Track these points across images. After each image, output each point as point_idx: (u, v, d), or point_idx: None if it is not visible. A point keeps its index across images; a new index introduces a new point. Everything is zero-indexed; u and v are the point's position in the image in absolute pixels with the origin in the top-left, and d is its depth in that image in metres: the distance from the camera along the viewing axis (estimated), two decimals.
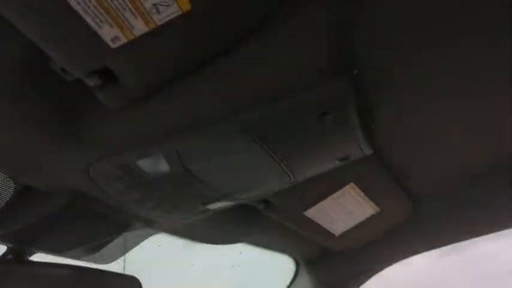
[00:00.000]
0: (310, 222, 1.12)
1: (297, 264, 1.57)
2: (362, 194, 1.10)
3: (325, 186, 1.03)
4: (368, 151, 0.74)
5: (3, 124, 0.53)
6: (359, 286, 1.58)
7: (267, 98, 0.55)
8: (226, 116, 0.56)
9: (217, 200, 0.78)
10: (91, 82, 0.48)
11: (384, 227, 1.35)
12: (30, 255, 0.81)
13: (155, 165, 0.63)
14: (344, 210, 1.14)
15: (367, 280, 1.57)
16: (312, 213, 1.09)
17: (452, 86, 0.75)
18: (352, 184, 1.05)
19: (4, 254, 0.77)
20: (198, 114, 0.56)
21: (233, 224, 1.11)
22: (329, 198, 1.07)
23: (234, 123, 0.57)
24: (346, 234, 1.27)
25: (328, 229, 1.20)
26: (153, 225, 0.86)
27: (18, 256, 0.77)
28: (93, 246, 0.85)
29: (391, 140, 0.96)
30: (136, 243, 1.02)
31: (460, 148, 1.02)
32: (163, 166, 0.64)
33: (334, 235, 1.25)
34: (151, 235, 1.04)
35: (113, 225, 0.79)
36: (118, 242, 0.95)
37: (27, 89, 0.51)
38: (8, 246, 0.77)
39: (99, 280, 0.81)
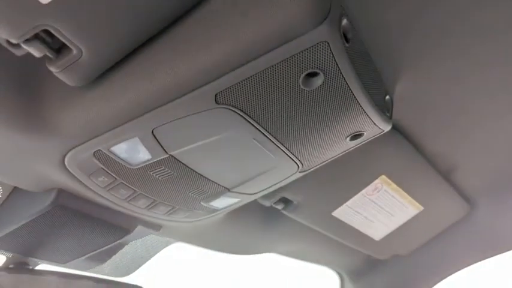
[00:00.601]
0: (342, 224, 1.01)
1: (341, 278, 1.44)
2: (398, 188, 0.98)
3: (353, 180, 0.92)
4: (386, 127, 0.64)
5: None
6: None
7: (240, 60, 0.47)
8: (197, 87, 0.49)
9: (219, 194, 0.71)
10: (35, 50, 0.43)
11: (432, 229, 1.20)
12: (34, 266, 0.77)
13: (132, 151, 0.57)
14: (381, 210, 1.02)
15: None
16: (341, 213, 0.98)
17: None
18: (383, 177, 0.93)
19: (6, 263, 0.74)
20: (167, 87, 0.50)
21: (257, 231, 1.02)
22: (359, 195, 0.95)
23: (207, 94, 0.50)
24: (388, 239, 1.13)
25: (365, 233, 1.08)
26: (158, 229, 0.80)
27: (20, 265, 0.74)
28: (99, 255, 0.80)
29: (423, 118, 0.84)
30: (152, 254, 0.96)
31: None
32: (143, 152, 0.57)
33: (374, 240, 1.12)
34: (168, 244, 0.97)
35: (110, 229, 0.73)
36: (131, 252, 0.90)
37: None
38: (7, 257, 0.74)
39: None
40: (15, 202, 0.67)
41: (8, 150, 0.55)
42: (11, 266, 0.74)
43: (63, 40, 0.43)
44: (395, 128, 0.87)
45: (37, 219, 0.66)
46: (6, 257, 0.74)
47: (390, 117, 0.66)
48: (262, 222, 1.00)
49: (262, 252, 1.14)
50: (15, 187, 0.66)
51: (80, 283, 0.73)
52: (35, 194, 0.65)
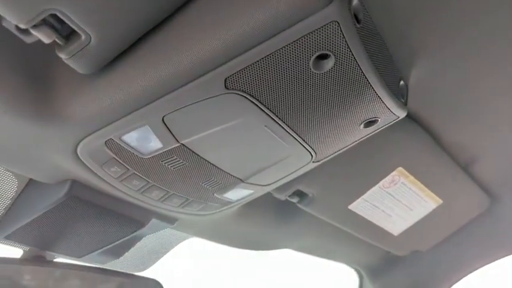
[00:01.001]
0: (358, 218, 0.99)
1: (360, 275, 1.42)
2: (416, 181, 0.96)
3: (368, 172, 0.91)
4: (401, 113, 0.62)
5: None
6: None
7: (248, 44, 0.47)
8: (206, 71, 0.49)
9: (232, 186, 0.70)
10: (44, 36, 0.43)
11: (452, 224, 1.17)
12: (50, 260, 0.78)
13: (143, 139, 0.57)
14: (398, 203, 1.00)
15: None
16: (358, 207, 0.96)
17: None
18: (400, 169, 0.91)
19: (23, 256, 0.75)
20: (176, 73, 0.49)
21: (272, 226, 1.01)
22: (376, 188, 0.94)
23: (217, 79, 0.49)
24: (407, 233, 1.11)
25: (383, 227, 1.06)
26: (173, 223, 0.80)
27: (37, 258, 0.75)
28: (115, 249, 0.80)
29: (441, 108, 0.82)
30: (168, 249, 0.96)
31: None
32: (154, 141, 0.57)
33: (392, 235, 1.10)
34: (184, 239, 0.97)
35: (125, 221, 0.73)
36: (146, 247, 0.90)
37: None
38: (24, 250, 0.75)
39: (121, 281, 0.76)
40: (31, 194, 0.68)
41: (21, 140, 0.56)
42: (28, 258, 0.74)
43: (72, 25, 0.43)
44: (413, 119, 0.85)
45: (52, 210, 0.66)
46: (24, 250, 0.75)
47: (405, 104, 0.64)
48: (277, 217, 0.99)
49: (277, 248, 1.13)
50: (30, 179, 0.67)
51: (96, 276, 0.73)
52: (49, 186, 0.66)
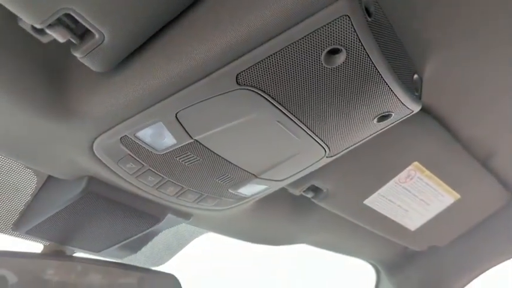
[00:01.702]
0: (374, 214, 0.99)
1: (377, 271, 1.41)
2: (432, 175, 0.95)
3: (384, 167, 0.90)
4: (415, 107, 0.62)
5: None
6: None
7: (259, 39, 0.47)
8: (218, 68, 0.49)
9: (246, 181, 0.70)
10: (59, 36, 0.44)
11: (470, 219, 1.15)
12: (70, 254, 0.80)
13: (157, 136, 0.58)
14: (415, 198, 0.99)
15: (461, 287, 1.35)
16: (373, 202, 0.96)
17: None
18: (416, 163, 0.90)
19: (43, 251, 0.77)
20: (188, 69, 0.50)
21: (288, 221, 1.01)
22: (392, 183, 0.93)
23: (228, 75, 0.50)
24: (424, 229, 1.10)
25: (399, 223, 1.05)
26: (188, 218, 0.81)
27: (57, 253, 0.77)
28: (132, 244, 0.82)
29: (458, 101, 0.81)
30: (184, 244, 0.97)
31: None
32: (168, 137, 0.58)
33: (409, 230, 1.09)
34: (199, 234, 0.98)
35: (141, 217, 0.74)
36: (163, 242, 0.91)
37: (5, 62, 0.49)
38: (44, 245, 0.77)
39: (139, 276, 0.78)
40: (50, 190, 0.69)
41: (39, 137, 0.57)
42: (48, 253, 0.76)
43: (85, 24, 0.44)
44: (429, 113, 0.84)
45: (70, 206, 0.68)
46: (44, 245, 0.77)
47: (419, 97, 0.63)
48: (292, 212, 0.99)
49: (293, 243, 1.13)
50: (49, 176, 0.69)
51: (114, 270, 0.75)
52: (67, 182, 0.67)
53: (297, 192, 0.89)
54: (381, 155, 0.86)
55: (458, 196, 1.03)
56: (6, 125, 0.55)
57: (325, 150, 0.66)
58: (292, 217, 1.01)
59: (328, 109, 0.57)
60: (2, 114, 0.53)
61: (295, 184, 0.86)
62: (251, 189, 0.75)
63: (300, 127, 0.58)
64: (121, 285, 0.73)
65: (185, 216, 0.80)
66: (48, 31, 0.44)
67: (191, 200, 0.74)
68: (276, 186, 0.77)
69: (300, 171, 0.73)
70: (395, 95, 0.57)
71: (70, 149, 0.59)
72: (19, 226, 0.72)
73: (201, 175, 0.67)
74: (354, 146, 0.68)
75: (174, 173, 0.66)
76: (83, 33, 0.46)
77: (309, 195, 0.90)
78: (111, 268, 0.74)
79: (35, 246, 0.75)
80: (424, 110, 0.83)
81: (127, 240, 0.78)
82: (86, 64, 0.49)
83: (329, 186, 0.89)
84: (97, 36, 0.45)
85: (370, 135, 0.67)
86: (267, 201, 0.91)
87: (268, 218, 0.98)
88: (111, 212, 0.71)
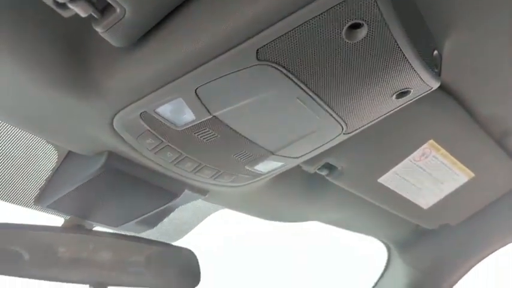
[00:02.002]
0: (388, 192, 0.99)
1: (389, 249, 1.42)
2: (448, 154, 0.94)
3: (399, 145, 0.90)
4: (434, 84, 0.61)
5: (14, 82, 0.52)
6: (464, 273, 1.37)
7: (279, 14, 0.47)
8: (238, 43, 0.49)
9: (263, 158, 0.71)
10: (80, 10, 0.44)
11: (484, 198, 1.15)
12: (90, 227, 0.82)
13: (177, 111, 0.58)
14: (429, 177, 0.99)
15: (471, 267, 1.36)
16: (388, 180, 0.96)
17: None
18: (431, 141, 0.90)
19: (64, 225, 0.78)
20: (208, 45, 0.50)
21: (301, 198, 1.02)
22: (406, 161, 0.93)
23: (249, 50, 0.50)
24: (437, 207, 1.10)
25: (413, 201, 1.05)
26: (204, 194, 0.82)
27: (77, 226, 0.78)
28: (149, 219, 0.83)
29: (475, 79, 0.80)
30: (200, 220, 0.99)
31: None
32: (187, 113, 0.58)
33: (422, 209, 1.10)
34: (215, 211, 1.00)
35: (159, 192, 0.76)
36: (179, 217, 0.93)
37: (28, 36, 0.49)
38: (65, 219, 0.79)
39: (157, 250, 0.79)
40: (70, 166, 0.71)
41: (60, 112, 0.58)
42: (68, 227, 0.78)
43: (111, 2, 0.44)
44: (445, 90, 0.84)
45: (90, 181, 0.69)
46: (64, 219, 0.78)
47: (439, 74, 0.63)
48: (306, 190, 1.00)
49: (306, 220, 1.14)
50: (69, 151, 0.70)
51: (132, 244, 0.76)
52: (87, 158, 0.68)
53: (311, 169, 0.89)
54: (396, 133, 0.86)
55: (472, 175, 1.03)
56: (27, 100, 0.56)
57: (343, 127, 0.66)
58: (306, 195, 1.01)
59: (347, 85, 0.56)
60: (23, 89, 0.54)
61: (310, 162, 0.86)
62: (267, 166, 0.75)
63: (319, 104, 0.59)
64: (139, 258, 0.75)
65: (201, 192, 0.81)
66: (70, 5, 0.44)
67: (208, 176, 0.75)
68: (292, 164, 0.77)
69: (316, 149, 0.73)
70: (415, 71, 0.57)
71: (90, 125, 0.60)
72: (40, 200, 0.73)
73: (219, 151, 0.68)
74: (371, 123, 0.68)
75: (192, 149, 0.66)
76: (104, 8, 0.46)
77: (324, 173, 0.91)
78: (130, 242, 0.76)
79: (56, 221, 0.77)
80: (441, 88, 0.82)
81: (144, 216, 0.80)
82: (106, 39, 0.49)
83: (344, 164, 0.90)
84: (118, 10, 0.45)
85: (388, 112, 0.66)
86: (282, 179, 0.92)
87: (283, 195, 0.99)
88: (129, 187, 0.72)
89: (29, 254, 0.65)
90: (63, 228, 0.74)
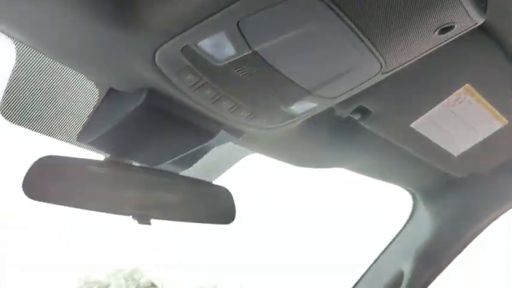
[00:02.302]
0: (420, 137, 0.99)
1: (414, 198, 1.43)
2: (483, 99, 0.93)
3: (434, 89, 0.89)
4: (479, 18, 0.60)
5: (57, 14, 0.53)
6: (488, 224, 1.38)
7: None
8: None
9: (299, 97, 0.71)
10: None
11: None
12: None
13: (218, 46, 0.58)
14: (462, 123, 0.99)
15: (497, 217, 1.37)
16: (420, 125, 0.96)
17: None
18: (467, 86, 0.89)
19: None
20: None
21: (331, 144, 1.03)
22: (440, 106, 0.92)
23: None
24: (467, 154, 1.10)
25: (443, 147, 1.05)
26: (239, 136, 0.83)
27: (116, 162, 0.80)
28: (185, 159, 0.85)
29: None
30: (231, 164, 1.01)
31: None
32: (228, 47, 0.59)
33: (452, 156, 1.09)
34: (245, 155, 1.02)
35: (196, 132, 0.77)
36: (212, 159, 0.95)
37: None
38: (105, 157, 0.81)
39: (194, 187, 0.82)
40: (110, 103, 0.72)
41: (101, 46, 0.59)
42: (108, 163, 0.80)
43: None
44: (488, 33, 0.81)
45: (130, 119, 0.71)
46: (105, 157, 0.81)
47: (484, 10, 0.61)
48: (337, 135, 1.01)
49: (333, 167, 1.15)
50: (110, 88, 0.71)
51: (171, 181, 0.79)
52: (127, 95, 0.70)
53: (344, 113, 0.90)
54: (433, 76, 0.85)
55: (506, 122, 1.02)
56: (69, 32, 0.57)
57: (381, 65, 0.66)
58: (336, 140, 1.02)
59: (391, 19, 0.56)
60: (66, 22, 0.55)
61: (344, 104, 0.86)
62: (302, 107, 0.76)
63: (361, 38, 0.58)
64: (177, 194, 0.78)
65: (236, 133, 0.83)
66: None
67: (244, 116, 0.76)
68: (326, 105, 0.78)
69: (352, 89, 0.73)
70: (462, 3, 0.55)
71: (132, 59, 0.61)
72: (83, 137, 0.76)
73: (256, 90, 0.69)
74: (410, 61, 0.68)
75: (230, 87, 0.67)
76: None
77: (356, 116, 0.91)
78: (168, 179, 0.78)
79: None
80: (484, 30, 0.80)
81: (180, 155, 0.82)
82: None
83: (377, 108, 0.89)
84: None
85: (428, 50, 0.66)
86: (313, 124, 0.93)
87: (313, 140, 1.00)
88: (168, 125, 0.74)
89: (76, 186, 0.68)
90: (107, 163, 0.76)
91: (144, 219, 0.72)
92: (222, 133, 0.81)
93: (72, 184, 0.68)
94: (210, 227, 0.85)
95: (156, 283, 12.84)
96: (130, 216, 0.72)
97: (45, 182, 0.65)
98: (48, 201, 0.66)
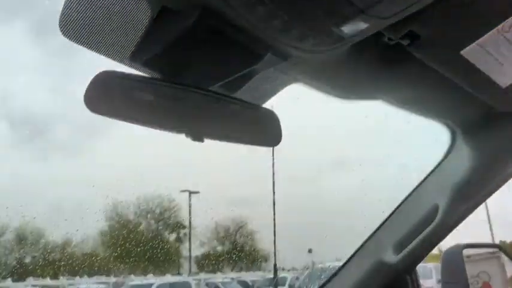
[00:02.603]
0: (469, 66, 0.96)
1: (453, 133, 1.41)
2: None
3: (488, 13, 0.86)
4: None
5: None
6: None
7: None
8: None
9: (351, 16, 0.70)
10: None
11: None
12: None
13: None
14: None
15: None
16: (470, 52, 0.93)
17: None
18: None
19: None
20: None
21: (375, 71, 1.02)
22: (493, 32, 0.89)
23: None
24: None
25: (492, 77, 1.02)
26: (285, 58, 0.83)
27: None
28: (233, 83, 0.86)
29: None
30: (276, 91, 1.02)
31: None
32: None
33: (499, 88, 1.06)
34: (289, 84, 1.02)
35: (245, 52, 0.78)
36: (257, 84, 0.95)
37: None
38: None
39: (244, 109, 0.83)
40: (163, 22, 0.73)
41: None
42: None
43: None
44: None
45: (182, 38, 0.72)
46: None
47: None
48: (382, 63, 0.99)
49: (374, 99, 1.14)
50: (163, 6, 0.71)
51: (222, 101, 0.80)
52: (180, 13, 0.70)
53: (394, 36, 0.88)
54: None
55: None
56: None
57: None
58: (381, 69, 1.01)
59: None
60: None
61: (394, 29, 0.84)
62: (353, 28, 0.75)
63: None
64: (228, 114, 0.80)
65: (283, 55, 0.83)
66: None
67: (293, 37, 0.75)
68: (378, 26, 0.77)
69: (406, 8, 0.72)
70: None
71: None
72: (136, 57, 0.77)
73: (309, 8, 0.68)
74: None
75: (283, 4, 0.67)
76: None
77: (405, 42, 0.89)
78: (219, 99, 0.80)
79: None
80: None
81: (231, 77, 0.83)
82: None
83: (428, 33, 0.87)
84: None
85: None
86: (360, 50, 0.91)
87: (358, 68, 0.99)
88: (218, 44, 0.75)
89: (133, 101, 0.70)
90: (161, 81, 0.77)
91: (197, 137, 0.75)
92: (269, 56, 0.82)
93: (129, 100, 0.71)
94: None
95: None
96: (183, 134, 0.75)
97: (105, 96, 0.68)
98: (108, 116, 0.69)
